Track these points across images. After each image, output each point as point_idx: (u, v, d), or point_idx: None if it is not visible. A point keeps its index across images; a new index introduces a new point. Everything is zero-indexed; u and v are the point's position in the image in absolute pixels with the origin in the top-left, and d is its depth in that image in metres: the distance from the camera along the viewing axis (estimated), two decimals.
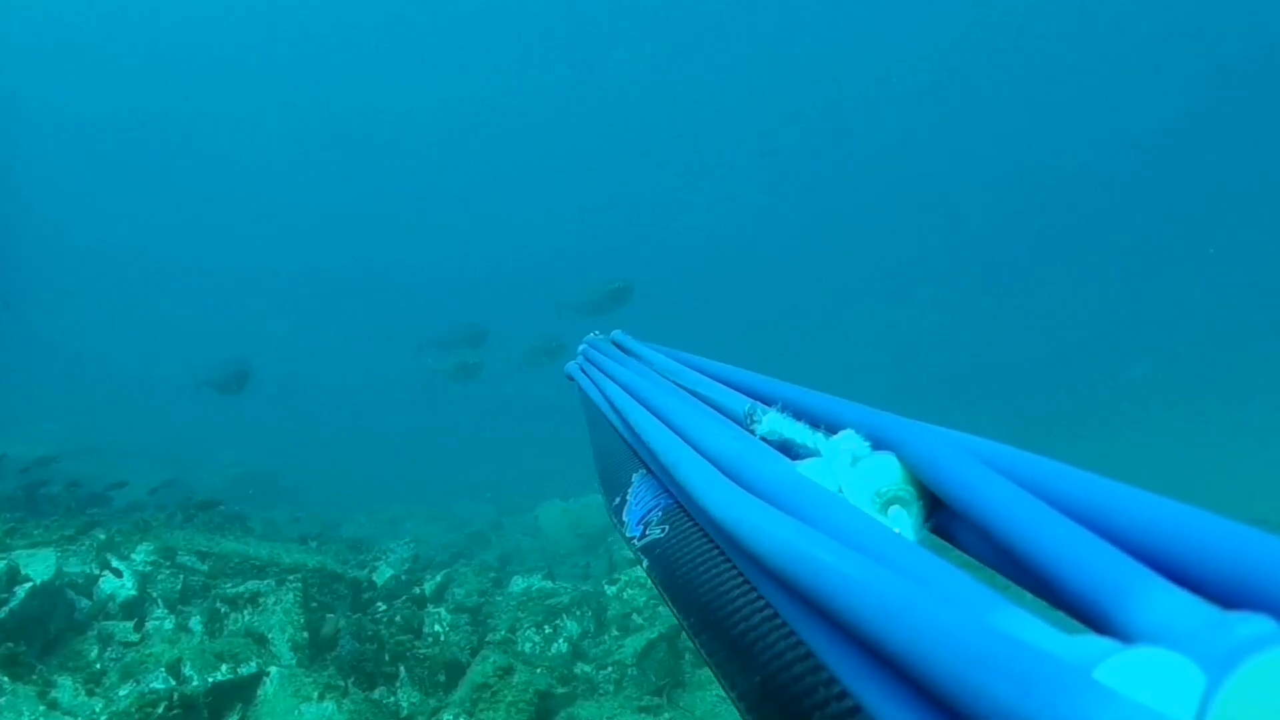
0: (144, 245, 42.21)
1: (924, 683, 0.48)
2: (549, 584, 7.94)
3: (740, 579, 0.81)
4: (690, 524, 0.97)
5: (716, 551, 0.88)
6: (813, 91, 41.85)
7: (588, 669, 6.70)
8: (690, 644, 6.04)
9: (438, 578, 7.82)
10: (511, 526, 12.64)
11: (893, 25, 38.26)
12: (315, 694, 5.13)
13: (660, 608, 7.72)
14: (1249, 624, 0.44)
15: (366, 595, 6.98)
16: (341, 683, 5.30)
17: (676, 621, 0.91)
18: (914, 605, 0.52)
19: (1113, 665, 0.43)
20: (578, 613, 7.25)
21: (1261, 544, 0.49)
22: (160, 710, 4.66)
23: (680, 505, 1.03)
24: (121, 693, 4.82)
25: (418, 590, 7.39)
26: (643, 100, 43.25)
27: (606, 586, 8.12)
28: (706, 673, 6.71)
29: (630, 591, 7.99)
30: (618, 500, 1.19)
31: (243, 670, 5.16)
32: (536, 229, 45.41)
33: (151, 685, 4.86)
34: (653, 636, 6.82)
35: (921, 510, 0.76)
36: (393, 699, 5.66)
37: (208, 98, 42.09)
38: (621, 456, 1.27)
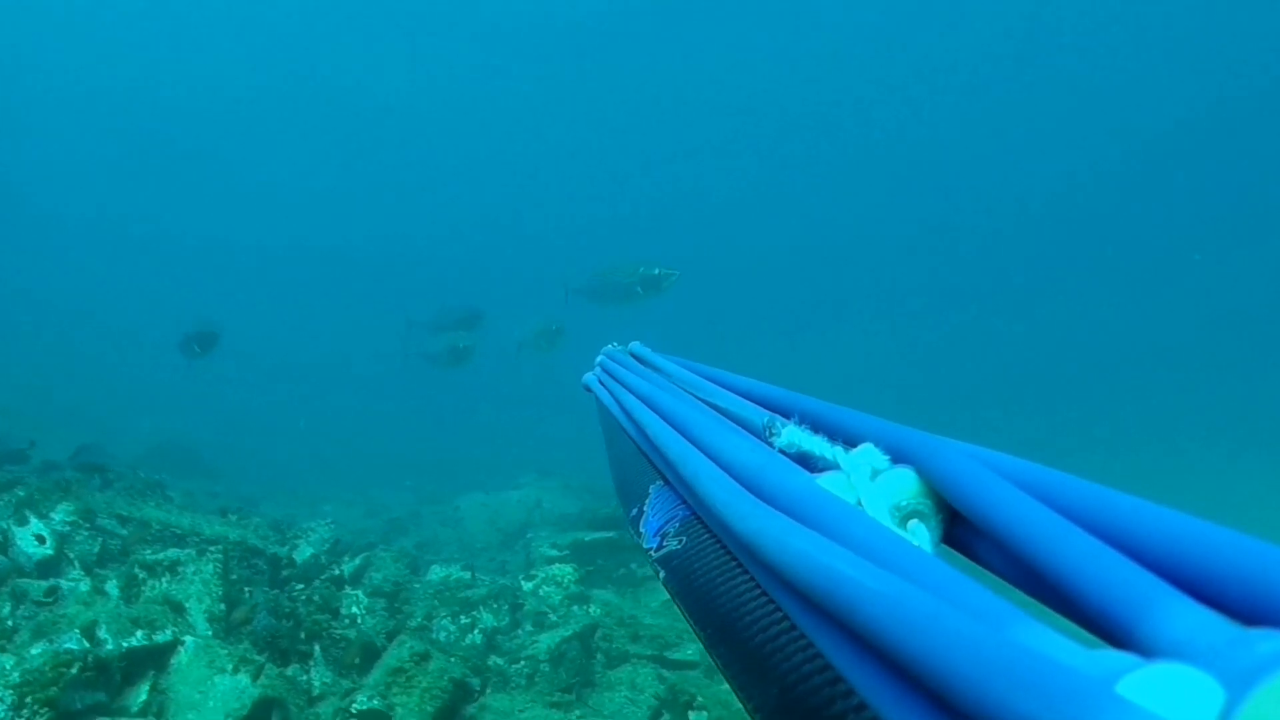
0: (96, 209, 41.05)
1: (944, 696, 0.49)
2: (467, 575, 7.97)
3: (758, 591, 0.80)
4: (707, 536, 0.97)
5: (734, 563, 0.88)
6: (828, 96, 42.07)
7: (500, 662, 6.74)
8: (603, 644, 6.12)
9: (356, 560, 7.81)
10: (430, 516, 12.59)
11: (908, 38, 38.67)
12: (229, 666, 5.12)
13: (575, 606, 7.79)
14: (1269, 641, 0.44)
15: (286, 572, 6.95)
16: (257, 657, 5.29)
17: (694, 633, 0.92)
18: (935, 618, 0.52)
19: (1135, 680, 0.43)
20: (494, 605, 7.30)
21: None
22: (74, 671, 4.63)
23: (697, 517, 1.03)
24: (34, 651, 4.76)
25: (337, 571, 7.37)
26: (653, 93, 43.04)
27: (523, 582, 8.17)
28: (617, 674, 6.80)
29: (546, 589, 8.06)
30: (635, 511, 1.20)
31: (158, 637, 5.13)
32: (529, 209, 44.79)
33: (65, 645, 4.81)
34: (566, 634, 6.88)
35: (940, 524, 0.76)
36: (306, 677, 5.65)
37: (189, 65, 41.28)
38: (639, 468, 1.28)
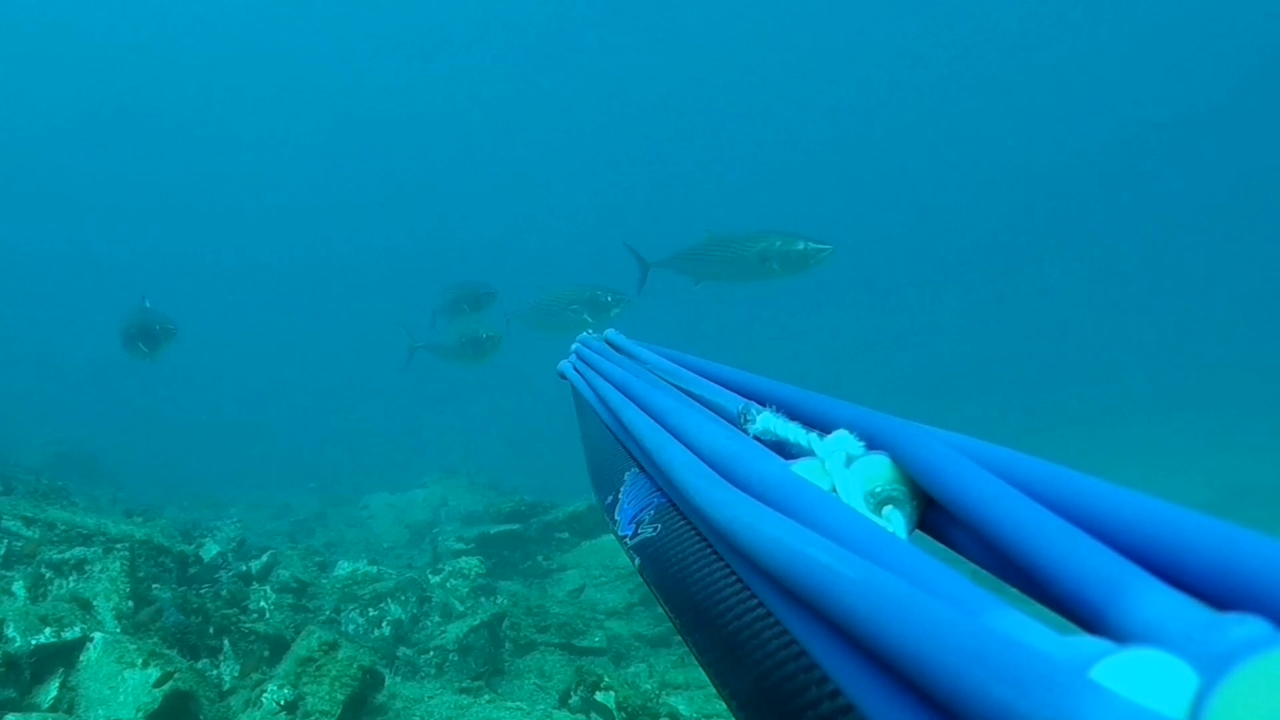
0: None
1: (918, 682, 0.49)
2: (374, 569, 8.05)
3: (733, 578, 0.79)
4: (683, 523, 0.97)
5: (709, 550, 0.87)
6: (811, 84, 42.45)
7: (409, 652, 6.88)
8: (511, 634, 6.27)
9: (263, 558, 7.87)
10: (336, 517, 12.60)
11: (895, 21, 39.05)
12: (139, 661, 5.17)
13: (482, 597, 7.93)
14: (1243, 625, 0.44)
15: (193, 570, 7.00)
16: (167, 651, 5.36)
17: (670, 622, 0.91)
18: (908, 604, 0.52)
19: (1108, 665, 0.44)
20: (402, 598, 7.40)
21: (1256, 545, 0.50)
22: None
23: (673, 504, 1.02)
24: None
25: (244, 568, 7.43)
26: (639, 84, 43.46)
27: (430, 576, 8.28)
28: (525, 661, 6.97)
29: (454, 581, 8.19)
30: (610, 499, 1.20)
31: (66, 634, 5.17)
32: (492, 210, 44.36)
33: None
34: (474, 624, 7.02)
35: (915, 510, 0.77)
36: (216, 671, 5.74)
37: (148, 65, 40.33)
38: (614, 455, 1.28)
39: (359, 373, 28.70)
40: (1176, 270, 36.94)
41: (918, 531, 0.76)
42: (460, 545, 9.33)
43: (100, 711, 4.94)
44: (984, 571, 0.67)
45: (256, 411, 25.71)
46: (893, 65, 41.93)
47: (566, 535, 9.62)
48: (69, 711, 4.95)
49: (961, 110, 41.87)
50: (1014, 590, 0.63)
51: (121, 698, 5.01)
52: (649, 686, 6.39)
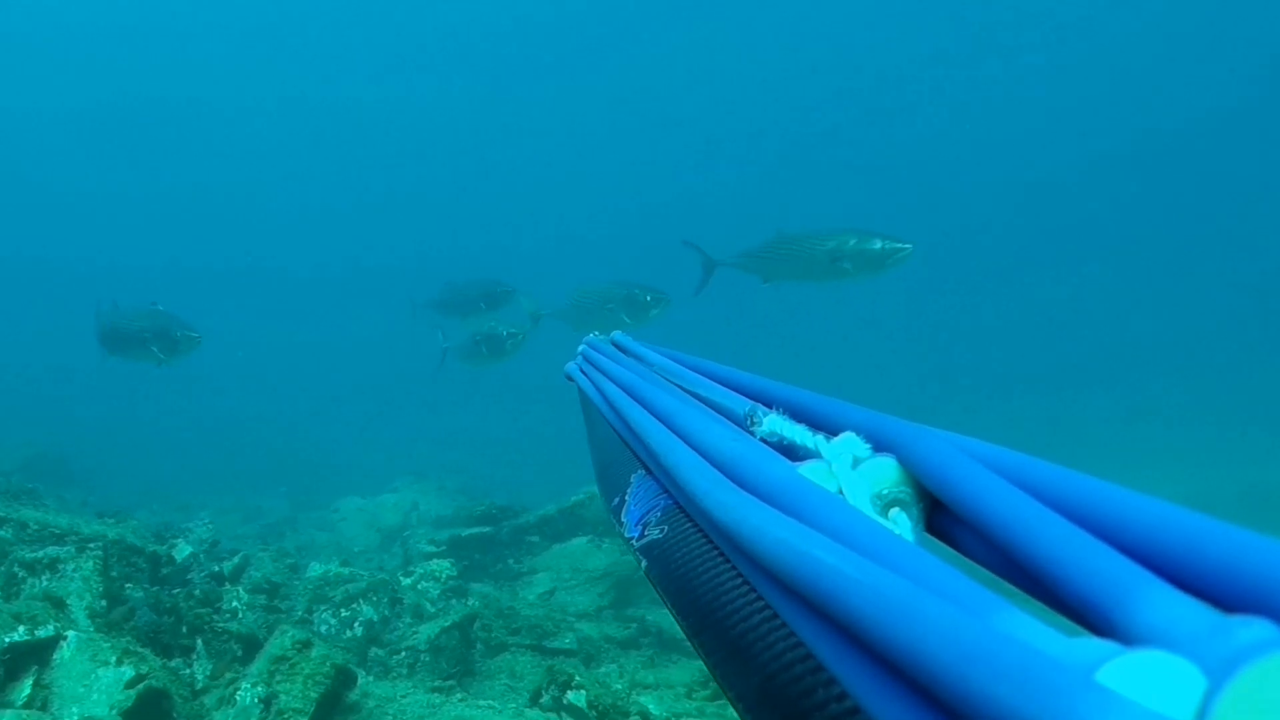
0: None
1: (925, 684, 0.49)
2: (346, 570, 8.08)
3: (739, 580, 0.80)
4: (689, 525, 0.96)
5: (715, 552, 0.87)
6: (815, 88, 42.59)
7: (381, 653, 6.92)
8: (482, 635, 6.32)
9: (235, 559, 7.89)
10: (307, 521, 12.61)
11: (906, 23, 39.25)
12: (113, 659, 5.19)
13: (453, 599, 7.97)
14: (1250, 628, 0.44)
15: (165, 570, 7.02)
16: (140, 649, 5.39)
17: (677, 624, 0.91)
18: (915, 606, 0.52)
19: (1114, 668, 0.44)
20: (374, 598, 7.44)
21: (1262, 548, 0.50)
22: None
23: (679, 506, 1.01)
24: None
25: (216, 569, 7.45)
26: (644, 85, 43.33)
27: (402, 578, 8.32)
28: (497, 662, 7.02)
29: (425, 583, 8.23)
30: (616, 501, 1.20)
31: (40, 633, 5.18)
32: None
33: None
34: (445, 625, 7.07)
35: (922, 512, 0.76)
36: (189, 670, 5.77)
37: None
38: (620, 457, 1.28)
39: (330, 377, 28.67)
40: (1195, 275, 37.09)
41: (924, 534, 0.76)
42: (431, 548, 9.37)
43: (74, 709, 4.97)
44: (990, 574, 0.67)
45: (227, 417, 25.51)
46: (922, 69, 42.24)
47: (537, 539, 9.65)
48: (43, 709, 4.98)
49: (979, 113, 42.17)
50: (1022, 593, 0.63)
51: (95, 695, 5.04)
52: (620, 686, 6.45)
